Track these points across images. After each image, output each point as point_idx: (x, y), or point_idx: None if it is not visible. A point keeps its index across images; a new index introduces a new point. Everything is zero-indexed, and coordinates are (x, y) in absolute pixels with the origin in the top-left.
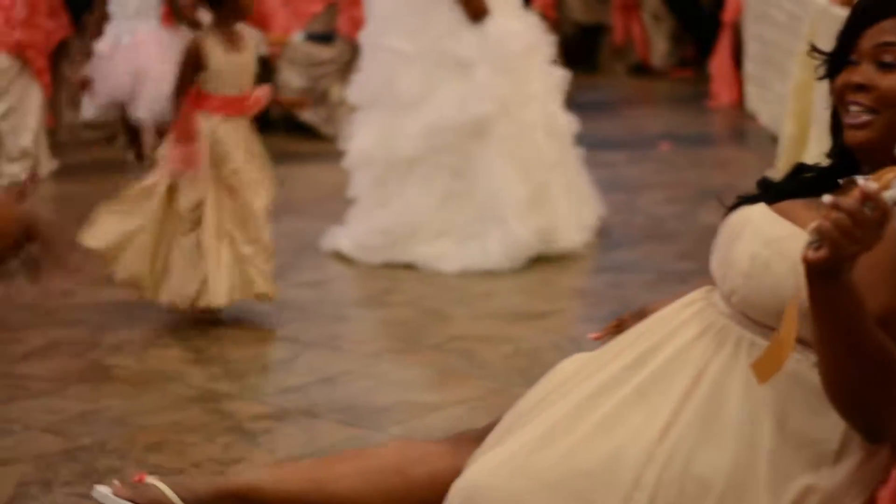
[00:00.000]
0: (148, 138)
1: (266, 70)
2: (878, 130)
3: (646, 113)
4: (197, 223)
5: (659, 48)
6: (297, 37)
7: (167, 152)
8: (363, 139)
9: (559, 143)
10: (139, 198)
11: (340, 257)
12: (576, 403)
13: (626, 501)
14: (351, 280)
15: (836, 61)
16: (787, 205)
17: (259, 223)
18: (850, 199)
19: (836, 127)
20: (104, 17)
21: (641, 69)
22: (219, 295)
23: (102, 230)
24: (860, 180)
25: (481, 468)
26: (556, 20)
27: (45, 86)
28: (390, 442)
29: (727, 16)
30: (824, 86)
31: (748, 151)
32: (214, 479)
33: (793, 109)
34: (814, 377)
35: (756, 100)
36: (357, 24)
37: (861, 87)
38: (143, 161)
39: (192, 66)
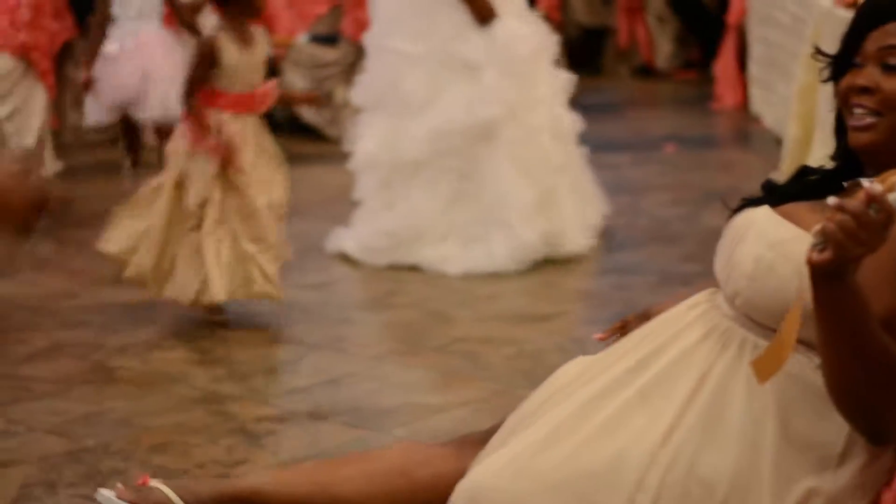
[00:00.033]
0: (148, 139)
1: (270, 71)
2: (882, 133)
3: (650, 115)
4: (202, 221)
5: (663, 50)
6: (301, 38)
7: (175, 148)
8: (368, 141)
9: (565, 146)
10: (149, 198)
11: (345, 259)
12: (579, 405)
13: (629, 503)
14: (356, 282)
15: (841, 64)
16: (791, 207)
17: (264, 221)
18: (854, 202)
19: (841, 129)
20: (106, 19)
21: (646, 71)
22: (218, 291)
23: (117, 235)
24: (865, 182)
25: (485, 470)
26: (560, 22)
27: (50, 87)
28: (394, 445)
29: (731, 18)
30: (829, 88)
31: (752, 154)
32: (218, 482)
33: (797, 112)
34: (817, 380)
35: (760, 102)
36: (361, 25)
37: (865, 90)
38: (138, 167)
39: (206, 64)
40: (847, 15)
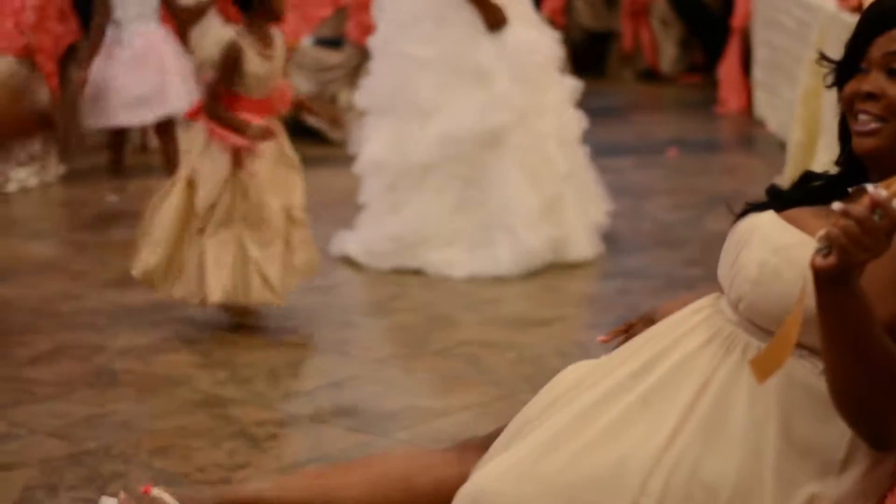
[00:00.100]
0: (150, 142)
1: None
2: (886, 138)
3: (654, 119)
4: (208, 224)
5: (667, 54)
6: (305, 41)
7: (190, 148)
8: (375, 145)
9: (572, 153)
10: (160, 203)
11: (349, 262)
12: (583, 409)
13: None
14: (359, 285)
15: (845, 69)
16: (795, 212)
17: (274, 227)
18: (859, 207)
19: (845, 135)
20: (106, 22)
21: (650, 75)
22: (213, 292)
23: (142, 257)
24: (870, 188)
25: (488, 474)
26: (564, 26)
27: (54, 90)
28: (395, 451)
29: (736, 22)
30: (833, 92)
31: (756, 158)
32: (220, 489)
33: (801, 116)
34: (820, 385)
35: (764, 106)
36: (366, 29)
37: (870, 96)
38: (120, 172)
39: (231, 70)
40: (852, 19)
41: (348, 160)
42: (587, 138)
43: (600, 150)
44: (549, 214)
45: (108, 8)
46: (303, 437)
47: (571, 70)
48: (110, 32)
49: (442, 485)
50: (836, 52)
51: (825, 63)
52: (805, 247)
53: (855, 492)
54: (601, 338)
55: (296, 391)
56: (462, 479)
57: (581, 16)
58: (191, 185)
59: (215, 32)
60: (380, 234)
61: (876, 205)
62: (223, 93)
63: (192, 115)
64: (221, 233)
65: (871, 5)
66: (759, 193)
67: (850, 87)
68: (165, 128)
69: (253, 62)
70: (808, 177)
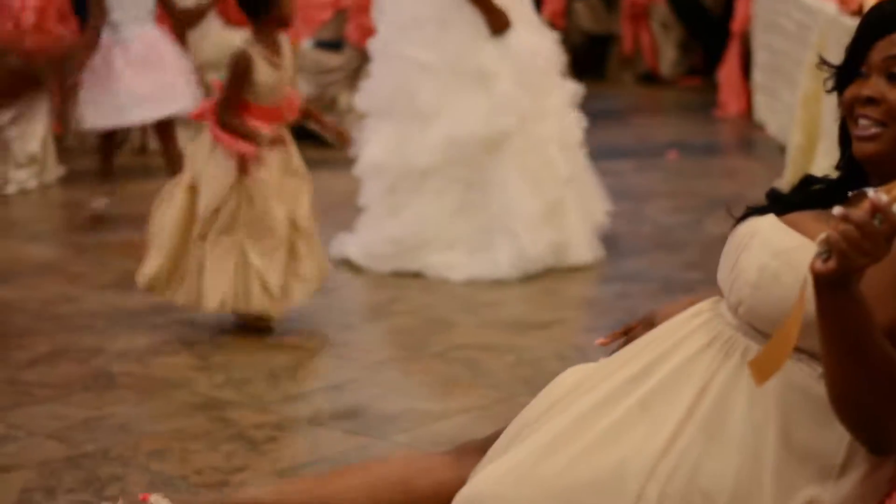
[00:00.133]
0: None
1: None
2: (887, 143)
3: (654, 122)
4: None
5: (667, 57)
6: (305, 44)
7: (195, 152)
8: (376, 148)
9: (573, 157)
10: (163, 208)
11: (348, 265)
12: (582, 414)
13: None
14: (358, 288)
15: (846, 74)
16: (795, 216)
17: (278, 235)
18: (859, 212)
19: (845, 139)
20: (100, 24)
21: (650, 78)
22: (210, 300)
23: (145, 266)
24: (870, 192)
25: (487, 477)
26: (564, 29)
27: (53, 91)
28: (394, 455)
29: (736, 25)
30: (833, 96)
31: (756, 161)
32: (218, 496)
33: (801, 119)
34: (819, 389)
35: (764, 109)
36: (366, 31)
37: (871, 101)
38: (108, 177)
39: (242, 80)
40: (852, 22)
41: (348, 163)
42: (587, 141)
43: (600, 153)
44: (550, 218)
45: (104, 10)
46: (301, 439)
47: (571, 73)
48: (107, 34)
49: (441, 488)
50: (837, 55)
51: (825, 67)
52: (805, 250)
53: (853, 496)
54: (600, 340)
55: (294, 394)
56: (461, 482)
57: (581, 18)
58: (193, 190)
59: (215, 34)
60: (380, 236)
61: (876, 209)
62: (236, 103)
63: (198, 118)
64: (223, 239)
65: (872, 9)
66: (759, 197)
67: (851, 91)
68: (165, 128)
69: (263, 71)
70: (808, 180)
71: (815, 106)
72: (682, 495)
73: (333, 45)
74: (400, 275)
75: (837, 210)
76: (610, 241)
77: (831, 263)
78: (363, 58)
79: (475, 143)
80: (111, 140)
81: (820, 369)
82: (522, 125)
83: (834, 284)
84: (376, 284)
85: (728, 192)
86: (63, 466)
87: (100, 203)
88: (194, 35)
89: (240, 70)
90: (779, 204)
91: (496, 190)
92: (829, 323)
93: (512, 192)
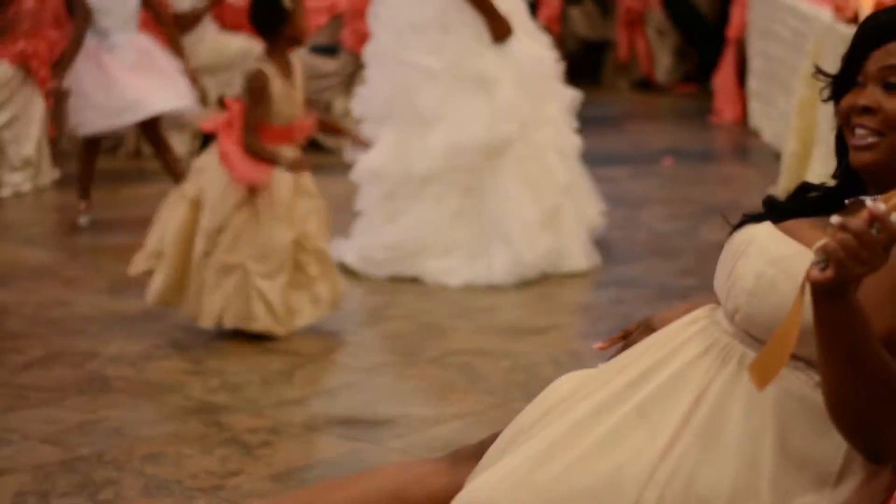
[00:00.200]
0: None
1: None
2: (883, 152)
3: (649, 128)
4: (214, 248)
5: (663, 63)
6: (300, 49)
7: (201, 166)
8: (374, 153)
9: (570, 164)
10: (165, 219)
11: (344, 269)
12: (578, 420)
13: None
14: (354, 293)
15: (842, 83)
16: (793, 224)
17: (283, 257)
18: (857, 221)
19: (842, 148)
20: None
21: (645, 84)
22: (207, 317)
23: (153, 285)
24: (868, 201)
25: (483, 483)
26: (559, 35)
27: (48, 95)
28: (386, 464)
29: (731, 32)
30: (829, 104)
31: (751, 168)
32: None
33: (796, 126)
34: (816, 397)
35: (759, 116)
36: (361, 37)
37: (867, 110)
38: (88, 183)
39: (261, 99)
40: (848, 30)
41: (342, 167)
42: (582, 148)
43: (595, 159)
44: (547, 225)
45: (88, 15)
46: (296, 444)
47: (567, 79)
48: (95, 40)
49: (435, 496)
50: (832, 62)
51: (821, 77)
52: (802, 258)
53: None
54: (598, 345)
55: (289, 398)
56: (455, 488)
57: (576, 25)
58: (197, 204)
59: (211, 39)
60: (377, 241)
61: (874, 218)
62: (257, 123)
63: (209, 131)
64: (227, 258)
65: (867, 19)
66: (754, 204)
67: (847, 100)
68: (151, 129)
69: (277, 90)
70: (804, 188)
71: (811, 113)
72: (679, 502)
73: (329, 49)
74: (396, 280)
75: (835, 219)
76: (605, 247)
77: (829, 272)
78: (358, 63)
79: (477, 150)
80: (95, 148)
81: (817, 377)
82: (523, 132)
83: (831, 293)
84: (372, 289)
85: (723, 198)
86: (57, 470)
87: (84, 220)
88: (190, 39)
89: (257, 88)
90: (775, 211)
91: (495, 196)
92: (827, 331)
93: (511, 199)
